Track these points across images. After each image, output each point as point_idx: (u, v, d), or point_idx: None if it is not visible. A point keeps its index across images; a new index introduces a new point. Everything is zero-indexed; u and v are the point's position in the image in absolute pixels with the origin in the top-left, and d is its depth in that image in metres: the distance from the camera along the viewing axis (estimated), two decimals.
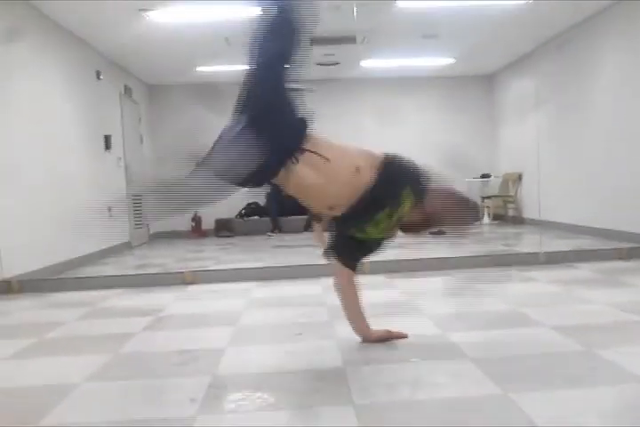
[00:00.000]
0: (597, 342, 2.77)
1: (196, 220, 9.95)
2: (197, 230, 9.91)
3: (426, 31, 7.39)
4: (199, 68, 8.87)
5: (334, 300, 4.02)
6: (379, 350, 2.82)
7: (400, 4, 6.25)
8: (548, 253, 5.30)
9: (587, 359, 2.55)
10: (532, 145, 8.76)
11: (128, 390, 2.44)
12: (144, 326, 3.57)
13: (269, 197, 9.96)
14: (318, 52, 8.04)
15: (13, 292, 4.84)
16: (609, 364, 2.46)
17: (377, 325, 3.05)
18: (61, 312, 4.13)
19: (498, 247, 6.74)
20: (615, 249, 5.42)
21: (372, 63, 9.11)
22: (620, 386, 2.22)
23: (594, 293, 3.92)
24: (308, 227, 6.81)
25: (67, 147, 6.52)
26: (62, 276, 5.59)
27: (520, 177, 9.53)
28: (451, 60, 9.15)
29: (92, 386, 2.50)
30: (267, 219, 9.78)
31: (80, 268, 6.14)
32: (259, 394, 2.31)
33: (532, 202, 8.97)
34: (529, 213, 9.29)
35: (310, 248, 7.25)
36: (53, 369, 2.80)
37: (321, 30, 7.13)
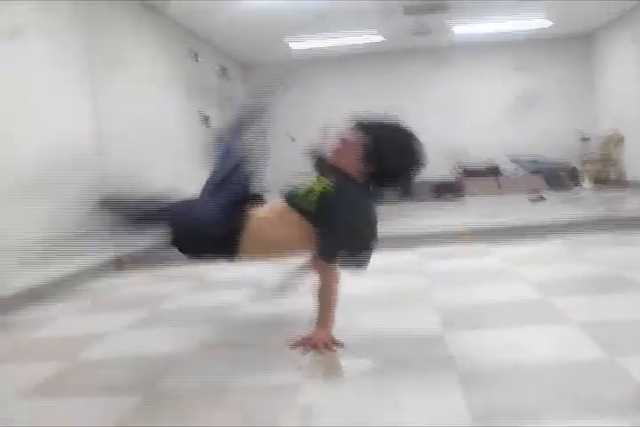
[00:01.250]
0: None
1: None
2: None
3: None
4: (291, 44, 8.91)
5: (433, 268, 4.08)
6: (479, 316, 2.83)
7: None
8: None
9: None
10: (636, 104, 8.39)
11: (237, 358, 2.55)
12: (246, 297, 3.70)
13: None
14: (411, 22, 7.94)
15: (124, 268, 5.08)
16: None
17: (478, 291, 3.04)
18: (171, 285, 4.32)
19: (599, 212, 6.54)
20: None
21: (465, 29, 8.89)
22: None
23: None
24: None
25: (168, 128, 6.74)
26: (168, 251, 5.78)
27: (622, 138, 9.14)
28: (546, 21, 8.80)
29: (204, 353, 2.64)
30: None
31: None
32: (362, 360, 2.37)
33: (637, 163, 8.61)
34: (633, 175, 8.92)
35: (405, 218, 7.25)
36: (168, 339, 2.95)
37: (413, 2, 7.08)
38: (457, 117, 10.16)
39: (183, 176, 6.83)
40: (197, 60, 7.71)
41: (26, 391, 2.32)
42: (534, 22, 8.84)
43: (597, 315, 2.70)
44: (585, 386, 1.94)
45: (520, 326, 2.65)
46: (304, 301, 3.40)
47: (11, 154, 4.25)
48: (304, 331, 2.57)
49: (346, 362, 2.37)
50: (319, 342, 2.47)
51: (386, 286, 3.67)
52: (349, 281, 3.82)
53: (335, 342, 2.49)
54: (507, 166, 9.60)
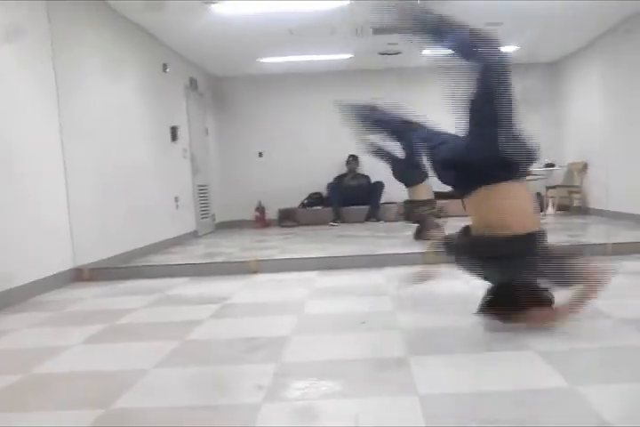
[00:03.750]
0: None
1: (260, 210, 10.06)
2: (261, 220, 10.01)
3: (489, 19, 7.25)
4: (262, 60, 8.92)
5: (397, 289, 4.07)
6: (443, 340, 2.82)
7: None
8: (615, 244, 5.16)
9: None
10: (599, 134, 8.54)
11: (196, 377, 2.50)
12: (210, 313, 3.65)
13: (330, 186, 10.02)
14: (381, 42, 8.00)
15: (84, 280, 5.00)
16: None
17: (441, 314, 3.03)
18: (130, 299, 4.25)
19: (563, 238, 6.61)
20: None
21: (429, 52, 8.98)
22: None
23: None
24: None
25: (135, 138, 6.67)
26: (131, 264, 5.73)
27: (586, 166, 9.29)
28: (514, 48, 8.95)
29: (162, 372, 2.58)
30: (329, 209, 9.82)
31: (148, 256, 6.28)
32: (324, 382, 2.34)
33: (599, 192, 8.74)
34: (595, 203, 9.06)
35: (372, 238, 7.27)
36: (123, 355, 2.89)
37: (384, 20, 7.12)
38: None
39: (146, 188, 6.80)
40: (166, 71, 7.66)
41: None
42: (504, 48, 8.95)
43: (559, 343, 2.70)
44: (546, 416, 1.93)
45: (482, 352, 2.64)
46: (255, 323, 3.39)
47: None
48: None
49: (308, 384, 2.34)
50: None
51: (353, 308, 3.65)
52: (317, 302, 3.85)
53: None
54: None
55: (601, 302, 2.98)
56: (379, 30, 7.36)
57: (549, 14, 7.13)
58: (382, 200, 9.94)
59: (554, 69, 10.34)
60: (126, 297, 4.39)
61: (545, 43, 8.84)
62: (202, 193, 8.90)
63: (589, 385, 2.15)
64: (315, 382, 2.34)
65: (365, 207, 9.86)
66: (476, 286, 4.05)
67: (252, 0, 6.19)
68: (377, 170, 10.02)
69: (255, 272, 5.02)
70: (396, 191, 9.64)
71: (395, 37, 7.80)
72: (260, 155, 10.35)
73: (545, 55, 9.83)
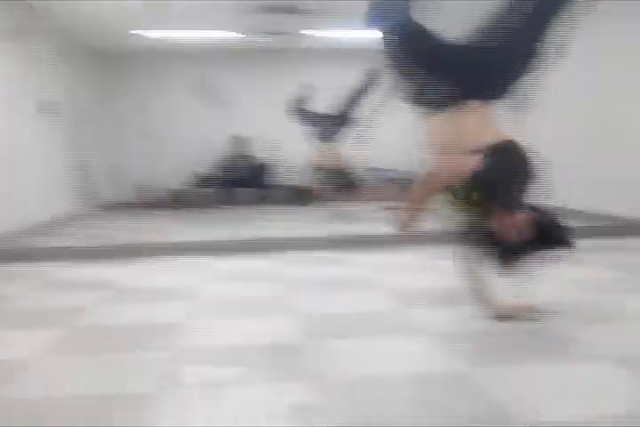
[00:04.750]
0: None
1: (145, 191, 9.79)
2: (147, 202, 9.74)
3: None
4: (139, 32, 8.57)
5: (292, 274, 4.08)
6: (340, 325, 2.85)
7: None
8: None
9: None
10: None
11: (88, 365, 2.41)
12: (98, 299, 3.52)
13: (221, 168, 9.90)
14: (268, 21, 7.92)
15: None
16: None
17: (333, 300, 3.06)
18: (9, 285, 4.03)
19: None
20: None
21: (322, 34, 8.97)
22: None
23: None
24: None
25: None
26: (8, 247, 5.43)
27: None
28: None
29: (51, 360, 2.47)
30: (218, 190, 9.69)
31: (28, 238, 5.98)
32: (220, 369, 2.31)
33: None
34: None
35: (262, 222, 7.24)
36: (7, 343, 2.74)
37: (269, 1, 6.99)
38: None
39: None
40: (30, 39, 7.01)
41: None
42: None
43: (452, 326, 2.79)
44: (440, 398, 1.98)
45: (378, 336, 2.69)
46: (146, 309, 3.31)
47: None
48: None
49: (205, 371, 2.30)
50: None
51: (247, 293, 3.62)
52: (208, 286, 3.79)
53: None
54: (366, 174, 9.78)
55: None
56: (267, 9, 7.28)
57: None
58: (273, 183, 9.93)
59: None
60: (3, 282, 4.16)
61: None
62: (83, 172, 8.54)
63: (484, 367, 2.23)
64: (211, 369, 2.31)
65: (253, 190, 9.81)
66: (368, 271, 4.14)
67: None
68: (266, 151, 10.04)
69: (142, 256, 4.88)
70: (287, 174, 9.71)
71: (283, 17, 7.76)
72: (144, 134, 10.05)
73: None
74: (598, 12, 4.73)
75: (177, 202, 9.61)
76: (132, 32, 8.47)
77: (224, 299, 3.49)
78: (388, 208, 7.94)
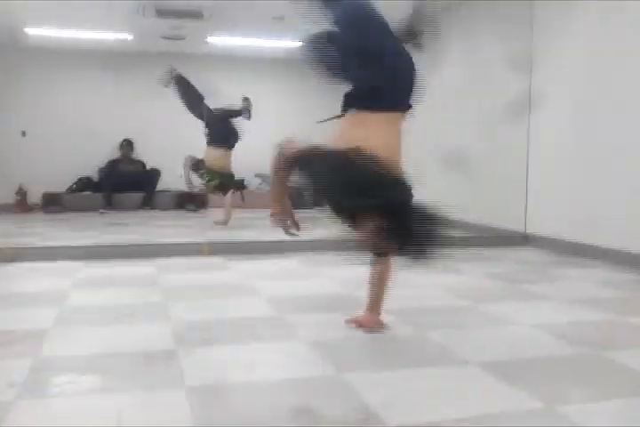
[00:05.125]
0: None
1: (21, 193, 9.30)
2: (22, 205, 9.26)
3: (275, 12, 7.35)
4: (28, 30, 8.21)
5: (168, 281, 3.96)
6: (211, 332, 2.78)
7: None
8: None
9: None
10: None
11: None
12: None
13: (102, 171, 9.56)
14: (164, 25, 7.77)
15: None
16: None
17: (209, 306, 2.99)
18: None
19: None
20: None
21: (219, 41, 8.93)
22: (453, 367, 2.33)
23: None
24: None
25: None
26: None
27: None
28: (298, 44, 9.14)
29: None
30: (99, 194, 9.34)
31: None
32: (85, 377, 2.20)
33: None
34: None
35: (145, 227, 7.06)
36: None
37: (168, 3, 6.92)
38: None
39: None
40: None
41: None
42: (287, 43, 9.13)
43: (326, 332, 2.78)
44: (312, 403, 1.96)
45: (252, 342, 2.64)
46: (20, 312, 3.13)
47: None
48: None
49: (68, 379, 2.17)
50: (368, 323, 2.80)
51: (120, 299, 3.47)
52: (79, 292, 3.61)
53: (382, 326, 2.80)
54: (252, 181, 9.73)
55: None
56: (162, 12, 7.13)
57: None
58: (157, 188, 9.70)
59: None
60: None
61: None
62: None
63: (356, 373, 2.22)
64: (75, 378, 2.19)
65: (139, 194, 9.53)
66: (248, 277, 4.09)
67: None
68: (153, 156, 9.79)
69: (12, 260, 4.62)
70: (172, 179, 9.49)
71: (179, 22, 7.64)
72: (24, 134, 9.57)
73: None
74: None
75: (52, 205, 9.18)
76: (26, 29, 8.11)
77: (94, 305, 3.33)
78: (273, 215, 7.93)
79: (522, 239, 5.75)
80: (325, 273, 4.32)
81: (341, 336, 2.73)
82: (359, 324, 2.82)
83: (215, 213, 7.76)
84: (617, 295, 3.68)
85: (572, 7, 5.17)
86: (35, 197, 9.36)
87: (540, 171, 5.64)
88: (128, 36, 8.63)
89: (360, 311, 2.88)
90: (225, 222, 7.00)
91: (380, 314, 2.85)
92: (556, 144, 5.40)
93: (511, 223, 5.92)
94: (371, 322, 2.81)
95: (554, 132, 5.43)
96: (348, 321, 2.86)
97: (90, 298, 3.53)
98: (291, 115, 10.18)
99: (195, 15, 7.26)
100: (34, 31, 8.26)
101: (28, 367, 2.26)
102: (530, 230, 5.74)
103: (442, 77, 6.25)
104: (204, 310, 3.21)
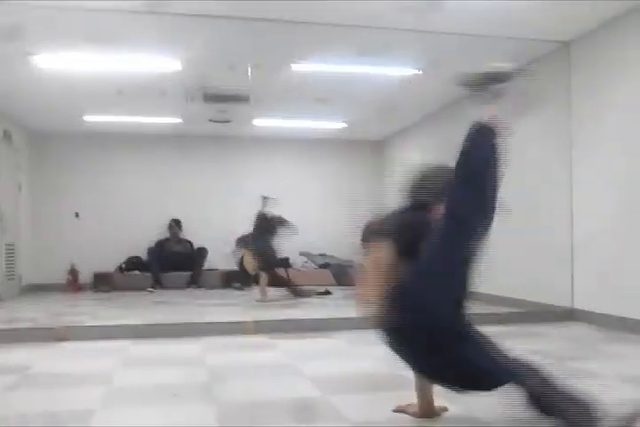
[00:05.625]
0: None
1: (73, 273, 9.50)
2: (74, 284, 9.45)
3: (318, 94, 7.58)
4: (87, 118, 8.65)
5: (214, 360, 3.95)
6: (255, 414, 2.73)
7: (294, 68, 6.38)
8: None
9: None
10: None
11: None
12: (6, 385, 3.32)
13: (151, 251, 9.72)
14: (211, 109, 8.06)
15: None
16: None
17: (255, 386, 2.96)
18: None
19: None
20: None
21: (264, 123, 9.19)
22: None
23: None
24: None
25: None
26: None
27: None
28: (342, 125, 9.37)
29: None
30: (148, 274, 9.48)
31: None
32: None
33: None
34: None
35: (192, 306, 7.09)
36: None
37: (215, 87, 7.21)
38: (252, 208, 10.24)
39: None
40: None
41: None
42: (332, 124, 9.38)
43: (373, 413, 2.72)
44: None
45: (297, 424, 2.59)
46: (68, 392, 3.15)
47: None
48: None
49: None
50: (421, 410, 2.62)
51: (165, 380, 3.47)
52: (129, 372, 3.63)
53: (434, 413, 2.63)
54: (297, 259, 9.80)
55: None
56: (209, 97, 7.40)
57: (376, 95, 7.56)
58: (205, 267, 9.81)
59: (379, 147, 10.88)
60: None
61: (371, 122, 9.33)
62: (8, 253, 8.28)
63: None
64: None
65: (187, 273, 9.64)
66: (293, 356, 4.05)
67: (77, 53, 5.94)
68: (200, 236, 9.95)
69: (62, 340, 4.68)
70: (219, 258, 9.60)
71: (225, 106, 7.91)
72: (77, 215, 9.87)
73: (371, 133, 10.36)
74: None
75: (103, 284, 9.34)
76: (85, 117, 8.55)
77: (140, 386, 3.33)
78: (319, 293, 7.95)
79: (567, 314, 5.60)
80: (367, 353, 4.25)
81: (390, 416, 2.66)
82: (412, 411, 2.65)
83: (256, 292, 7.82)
84: None
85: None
86: (86, 276, 9.54)
87: (584, 244, 5.56)
88: (177, 121, 8.97)
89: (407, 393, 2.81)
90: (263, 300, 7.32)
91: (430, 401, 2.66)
92: (600, 215, 5.33)
93: (555, 297, 5.81)
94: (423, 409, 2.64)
95: (598, 203, 5.38)
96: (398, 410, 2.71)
97: (137, 378, 3.53)
98: (328, 197, 10.34)
99: (240, 99, 7.50)
100: (92, 118, 8.69)
101: None
102: (577, 305, 5.60)
103: None
104: (248, 391, 3.18)
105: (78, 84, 6.91)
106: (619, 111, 5.14)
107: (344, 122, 9.24)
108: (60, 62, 6.15)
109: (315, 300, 7.47)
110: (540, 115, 5.77)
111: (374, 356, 4.07)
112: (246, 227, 7.72)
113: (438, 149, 8.33)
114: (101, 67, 6.30)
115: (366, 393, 3.13)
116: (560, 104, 5.80)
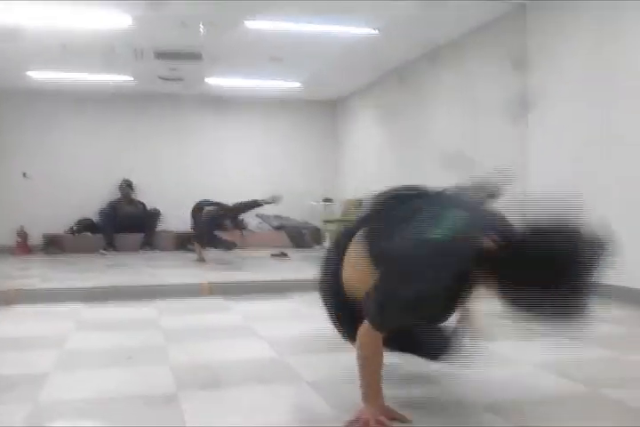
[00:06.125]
0: None
1: (22, 235, 9.30)
2: (23, 246, 9.27)
3: (273, 53, 7.46)
4: (31, 73, 8.33)
5: (169, 323, 3.93)
6: (213, 375, 2.73)
7: (248, 25, 6.25)
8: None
9: None
10: (375, 171, 9.03)
11: None
12: None
13: (103, 213, 9.56)
14: (162, 66, 7.87)
15: None
16: None
17: (212, 349, 2.95)
18: None
19: None
20: None
21: (218, 81, 9.04)
22: None
23: None
24: None
25: None
26: None
27: (361, 203, 9.76)
28: (296, 84, 9.28)
29: None
30: (99, 236, 9.34)
31: None
32: (85, 422, 2.17)
33: None
34: None
35: (145, 268, 7.03)
36: None
37: (166, 45, 7.05)
38: (205, 168, 10.11)
39: None
40: None
41: None
42: (286, 84, 9.28)
43: (327, 374, 2.74)
44: None
45: (253, 385, 2.60)
46: (19, 356, 3.10)
47: None
48: None
49: (68, 424, 2.14)
50: (369, 419, 2.02)
51: (120, 342, 3.44)
52: (81, 336, 3.58)
53: (392, 417, 2.07)
54: (251, 221, 9.75)
55: None
56: (160, 54, 7.22)
57: (331, 54, 7.48)
58: (158, 228, 9.71)
59: (334, 107, 10.82)
60: None
61: (325, 81, 9.25)
62: None
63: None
64: (76, 422, 2.15)
65: (140, 235, 9.53)
66: (248, 318, 4.05)
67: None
68: (153, 197, 9.81)
69: (13, 303, 4.60)
70: (173, 220, 9.50)
71: (177, 63, 7.74)
72: (25, 175, 9.60)
73: (325, 93, 10.28)
74: None
75: (53, 247, 9.18)
76: (28, 73, 8.23)
77: (94, 348, 3.30)
78: (273, 255, 7.96)
79: None
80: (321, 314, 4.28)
81: (346, 376, 2.68)
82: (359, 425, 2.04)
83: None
84: None
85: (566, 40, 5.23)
86: (35, 238, 9.36)
87: None
88: (128, 78, 8.74)
89: None
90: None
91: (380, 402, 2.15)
92: None
93: None
94: (371, 417, 2.04)
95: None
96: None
97: (90, 341, 3.50)
98: (281, 156, 10.31)
99: (193, 57, 7.35)
100: (36, 74, 8.38)
101: (28, 412, 2.22)
102: None
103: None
104: (204, 352, 3.18)
105: (21, 38, 6.62)
106: (573, 71, 5.17)
107: (299, 81, 9.15)
108: (1, 14, 5.89)
109: (271, 262, 7.48)
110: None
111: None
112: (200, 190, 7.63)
113: (390, 109, 8.46)
114: (46, 20, 6.05)
115: (322, 354, 3.15)
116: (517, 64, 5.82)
